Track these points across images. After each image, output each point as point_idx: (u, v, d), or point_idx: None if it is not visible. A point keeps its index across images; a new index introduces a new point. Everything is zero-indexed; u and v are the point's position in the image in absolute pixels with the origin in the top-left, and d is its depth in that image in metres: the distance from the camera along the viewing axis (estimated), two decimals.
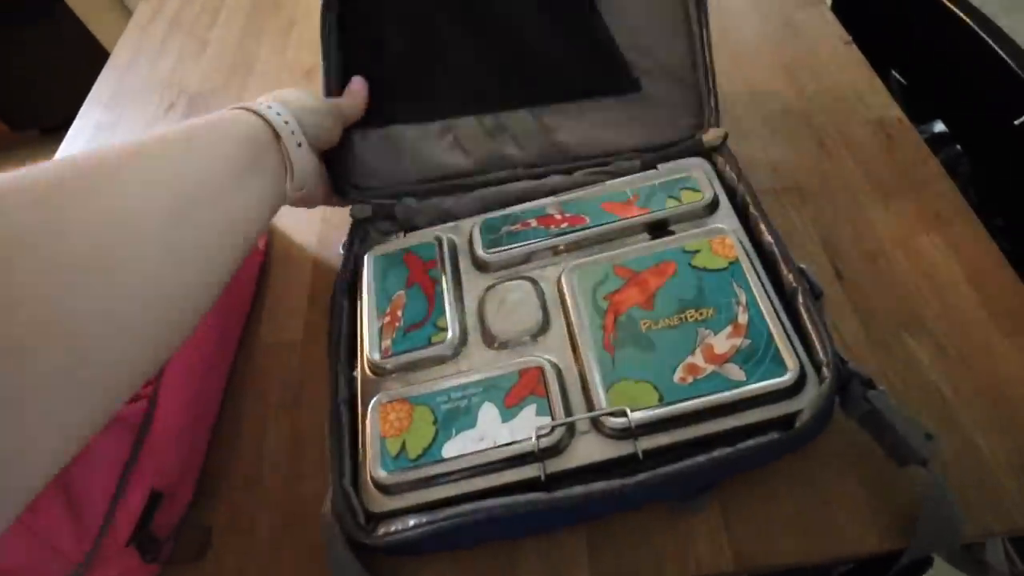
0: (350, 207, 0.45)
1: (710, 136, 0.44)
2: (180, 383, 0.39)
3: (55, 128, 0.68)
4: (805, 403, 0.33)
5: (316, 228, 0.51)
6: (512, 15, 0.44)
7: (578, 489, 0.32)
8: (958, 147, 0.54)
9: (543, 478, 0.33)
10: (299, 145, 0.38)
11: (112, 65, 0.73)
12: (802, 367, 0.34)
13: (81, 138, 0.65)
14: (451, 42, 0.45)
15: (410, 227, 0.45)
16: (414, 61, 0.45)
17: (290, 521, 0.39)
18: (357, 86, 0.44)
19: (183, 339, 0.30)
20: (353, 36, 0.44)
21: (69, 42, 1.55)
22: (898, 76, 0.60)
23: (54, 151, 0.62)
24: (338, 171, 0.44)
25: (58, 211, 0.25)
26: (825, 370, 0.33)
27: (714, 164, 0.44)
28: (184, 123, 0.34)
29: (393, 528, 0.32)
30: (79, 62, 1.25)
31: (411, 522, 0.32)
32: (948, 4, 0.51)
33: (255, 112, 0.36)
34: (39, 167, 0.26)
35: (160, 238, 0.28)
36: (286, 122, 0.37)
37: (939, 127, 0.56)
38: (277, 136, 0.37)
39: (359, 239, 0.44)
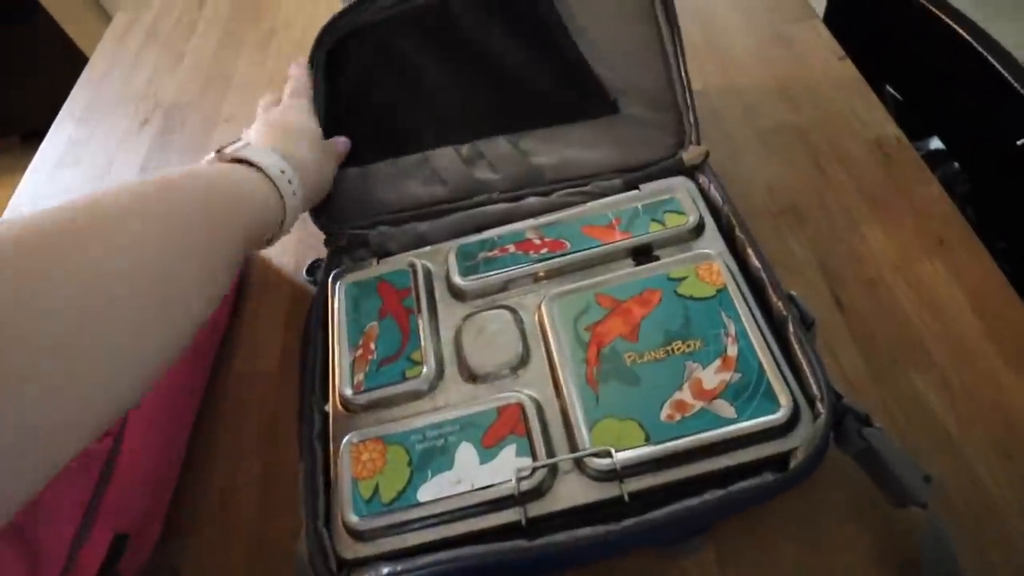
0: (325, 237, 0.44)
1: (691, 154, 0.42)
2: (148, 419, 0.38)
3: (36, 134, 0.66)
4: (799, 440, 0.31)
5: (293, 251, 0.50)
6: (486, 43, 0.44)
7: (561, 536, 0.30)
8: (956, 165, 0.52)
9: (524, 523, 0.31)
10: (294, 194, 0.37)
11: (87, 77, 0.71)
12: (795, 402, 0.32)
13: (54, 154, 0.63)
14: (427, 76, 0.45)
15: (383, 253, 0.43)
16: (391, 99, 0.45)
17: (262, 560, 0.37)
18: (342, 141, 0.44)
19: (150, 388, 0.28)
20: (334, 82, 0.45)
21: (47, 46, 1.53)
22: (893, 91, 0.59)
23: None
24: (314, 209, 0.44)
25: (38, 280, 0.23)
26: (819, 405, 0.31)
27: (697, 183, 0.42)
28: (180, 177, 0.32)
29: None
30: (58, 66, 1.23)
31: (384, 571, 0.30)
32: (945, 18, 0.49)
33: (259, 169, 0.36)
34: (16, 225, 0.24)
35: (141, 313, 0.26)
36: (289, 181, 0.37)
37: (936, 144, 0.54)
38: (279, 194, 0.36)
39: (333, 268, 0.42)
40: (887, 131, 0.47)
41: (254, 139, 0.39)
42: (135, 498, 0.36)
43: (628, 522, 0.30)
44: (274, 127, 0.40)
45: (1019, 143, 0.44)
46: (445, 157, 0.44)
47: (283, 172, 0.36)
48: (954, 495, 0.33)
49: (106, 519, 0.34)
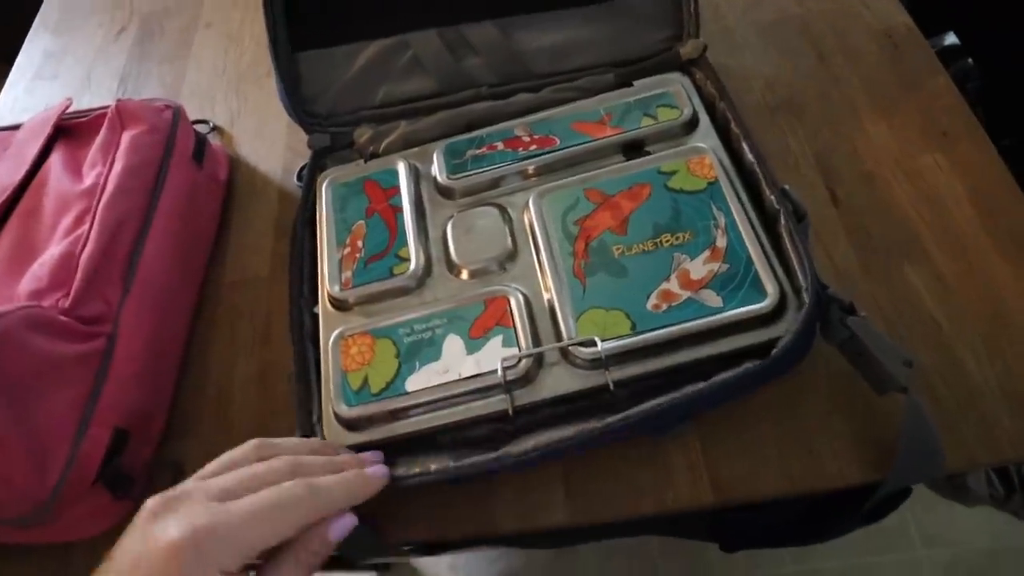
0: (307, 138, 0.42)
1: (688, 48, 0.40)
2: (140, 320, 0.38)
3: (13, 54, 0.64)
4: (784, 330, 0.31)
5: (280, 157, 0.49)
6: None
7: (545, 438, 0.31)
8: (969, 60, 0.50)
9: (511, 411, 0.32)
10: None
11: None
12: (782, 293, 0.32)
13: (31, 68, 0.61)
14: None
15: (369, 154, 0.42)
16: None
17: None
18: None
19: None
20: None
21: None
22: None
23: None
24: (291, 98, 0.42)
25: None
26: (805, 295, 0.31)
27: (693, 79, 0.40)
28: None
29: None
30: None
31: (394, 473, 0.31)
32: None
33: None
34: None
35: None
36: None
37: (950, 39, 0.52)
38: None
39: (318, 170, 0.42)
40: (896, 20, 0.45)
41: None
42: (132, 395, 0.37)
43: (612, 419, 0.30)
44: None
45: None
46: (428, 43, 0.42)
47: None
48: (939, 384, 0.33)
49: (105, 415, 0.35)
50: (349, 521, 0.28)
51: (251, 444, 0.30)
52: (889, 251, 0.37)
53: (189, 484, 0.27)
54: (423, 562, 0.89)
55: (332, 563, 0.32)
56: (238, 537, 0.25)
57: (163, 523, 0.24)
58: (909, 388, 0.29)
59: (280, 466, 0.28)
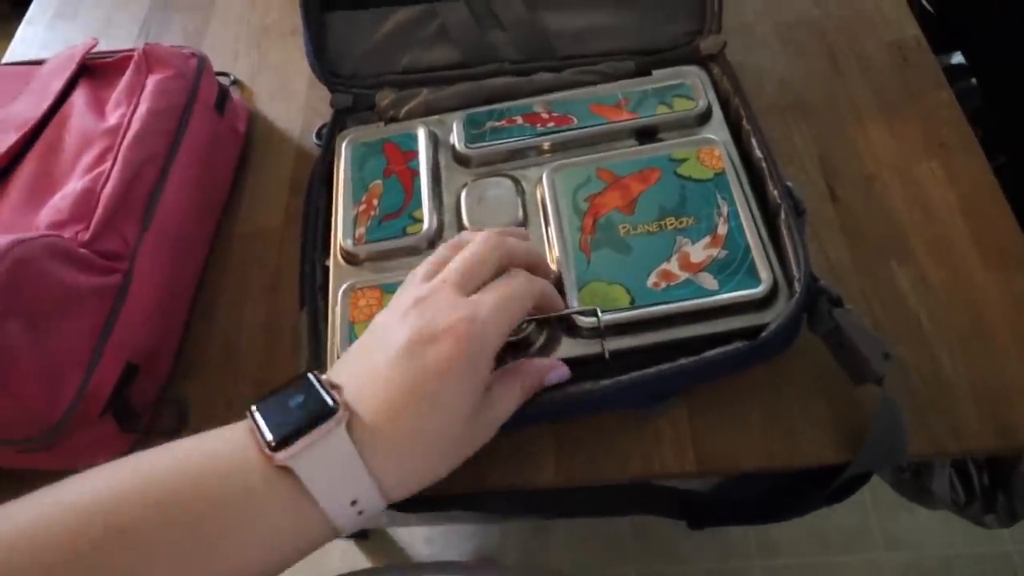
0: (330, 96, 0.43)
1: (708, 43, 0.42)
2: (155, 260, 0.39)
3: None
4: (774, 316, 0.33)
5: (300, 115, 0.50)
6: None
7: (544, 396, 0.32)
8: (973, 81, 0.51)
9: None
10: (360, 514, 0.26)
11: None
12: (775, 281, 0.33)
13: (50, 7, 0.61)
14: None
15: (389, 118, 0.43)
16: None
17: None
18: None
19: None
20: None
21: None
22: (924, 3, 0.57)
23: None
24: (317, 57, 0.43)
25: None
26: (797, 285, 0.33)
27: (710, 73, 0.42)
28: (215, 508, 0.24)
29: None
30: None
31: None
32: None
33: (324, 513, 0.25)
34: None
35: None
36: (360, 512, 0.26)
37: (957, 59, 0.53)
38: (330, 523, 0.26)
39: (338, 128, 0.43)
40: (908, 33, 0.46)
41: (351, 398, 0.26)
42: (144, 332, 0.38)
43: (605, 383, 0.32)
44: (397, 408, 0.26)
45: None
46: (456, 14, 0.43)
47: (354, 504, 0.25)
48: (915, 377, 0.35)
49: (118, 348, 0.36)
50: (565, 372, 0.32)
51: (446, 245, 0.32)
52: (881, 251, 0.39)
53: (430, 283, 0.29)
54: (400, 533, 0.91)
55: None
56: (497, 322, 0.28)
57: (430, 314, 0.27)
58: (885, 380, 0.31)
59: (485, 249, 0.30)
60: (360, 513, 0.25)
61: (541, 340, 0.34)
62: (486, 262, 0.30)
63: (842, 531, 0.84)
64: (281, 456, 0.24)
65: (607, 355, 0.33)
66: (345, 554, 0.87)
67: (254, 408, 0.26)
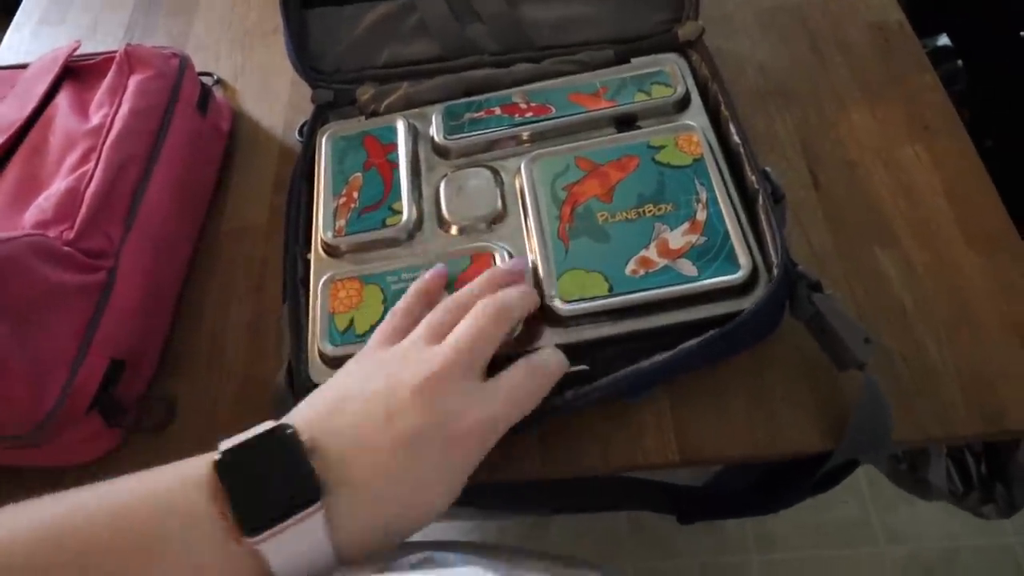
0: (311, 92, 0.43)
1: (686, 30, 0.42)
2: (139, 258, 0.39)
3: (13, 6, 0.64)
4: (752, 302, 0.32)
5: (283, 114, 0.50)
6: None
7: None
8: (959, 63, 0.51)
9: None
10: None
11: None
12: (754, 267, 0.33)
13: (36, 11, 0.62)
14: None
15: (370, 112, 0.43)
16: None
17: (250, 397, 0.39)
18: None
19: None
20: None
21: None
22: None
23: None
24: (298, 54, 0.43)
25: None
26: (776, 271, 0.32)
27: (689, 60, 0.42)
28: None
29: None
30: None
31: None
32: None
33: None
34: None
35: None
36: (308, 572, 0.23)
37: (942, 41, 0.53)
38: None
39: (319, 124, 0.43)
40: (890, 16, 0.46)
41: (332, 470, 0.24)
42: (129, 329, 0.38)
43: (586, 388, 0.32)
44: (384, 498, 0.25)
45: (1022, 33, 0.43)
46: (435, 7, 0.43)
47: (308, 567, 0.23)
48: (899, 363, 0.34)
49: (103, 345, 0.37)
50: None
51: (414, 291, 0.33)
52: (864, 236, 0.38)
53: (444, 361, 0.27)
54: None
55: None
56: (510, 421, 0.28)
57: (445, 406, 0.26)
58: (867, 365, 0.31)
59: (462, 298, 0.31)
60: (308, 573, 0.24)
61: (518, 330, 0.33)
62: (492, 337, 0.29)
63: (841, 524, 0.83)
64: (252, 541, 0.22)
65: (584, 344, 0.33)
66: None
67: (224, 469, 0.23)
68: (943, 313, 0.36)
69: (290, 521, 0.22)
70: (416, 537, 0.26)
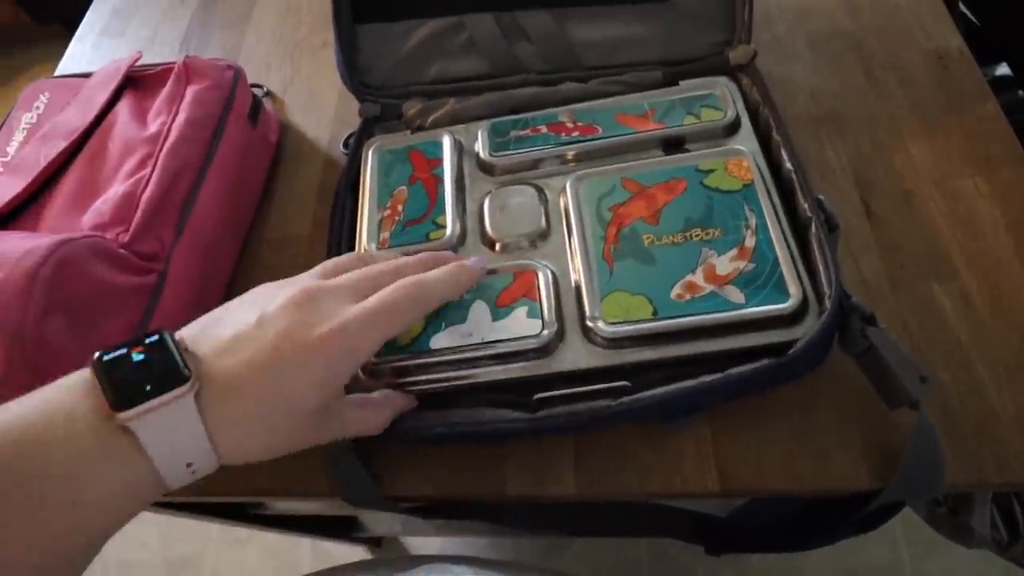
0: (359, 106, 0.44)
1: (738, 53, 0.41)
2: (188, 262, 0.40)
3: (75, 22, 0.67)
4: (802, 333, 0.31)
5: (329, 127, 0.51)
6: None
7: (561, 410, 0.32)
8: (1020, 92, 0.49)
9: (526, 381, 0.33)
10: (193, 474, 0.26)
11: None
12: (805, 296, 0.32)
13: (99, 23, 0.64)
14: None
15: (416, 127, 0.44)
16: None
17: None
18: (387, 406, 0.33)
19: None
20: None
21: None
22: (967, 13, 0.55)
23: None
24: (348, 68, 0.43)
25: None
26: (827, 302, 0.31)
27: (739, 84, 0.41)
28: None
29: None
30: None
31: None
32: None
33: (157, 472, 0.24)
34: None
35: None
36: (193, 472, 0.25)
37: (1002, 70, 0.51)
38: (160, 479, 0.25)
39: (366, 137, 0.43)
40: (950, 43, 0.45)
41: (206, 364, 0.26)
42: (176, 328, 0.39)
43: (626, 399, 0.31)
44: (246, 385, 0.26)
45: None
46: (484, 26, 0.43)
47: (189, 466, 0.25)
48: (955, 405, 0.33)
49: None
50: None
51: (353, 254, 0.33)
52: (919, 268, 0.37)
53: (321, 282, 0.29)
54: (413, 542, 0.91)
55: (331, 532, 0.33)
56: (368, 336, 0.28)
57: (312, 314, 0.27)
58: (922, 404, 0.30)
59: (385, 268, 0.31)
60: (193, 473, 0.26)
61: (558, 348, 0.33)
62: (403, 313, 0.30)
63: (871, 567, 0.79)
64: (122, 416, 0.23)
65: (628, 367, 0.32)
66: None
67: (100, 365, 0.25)
68: (1003, 352, 0.34)
69: (158, 400, 0.24)
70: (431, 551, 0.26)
